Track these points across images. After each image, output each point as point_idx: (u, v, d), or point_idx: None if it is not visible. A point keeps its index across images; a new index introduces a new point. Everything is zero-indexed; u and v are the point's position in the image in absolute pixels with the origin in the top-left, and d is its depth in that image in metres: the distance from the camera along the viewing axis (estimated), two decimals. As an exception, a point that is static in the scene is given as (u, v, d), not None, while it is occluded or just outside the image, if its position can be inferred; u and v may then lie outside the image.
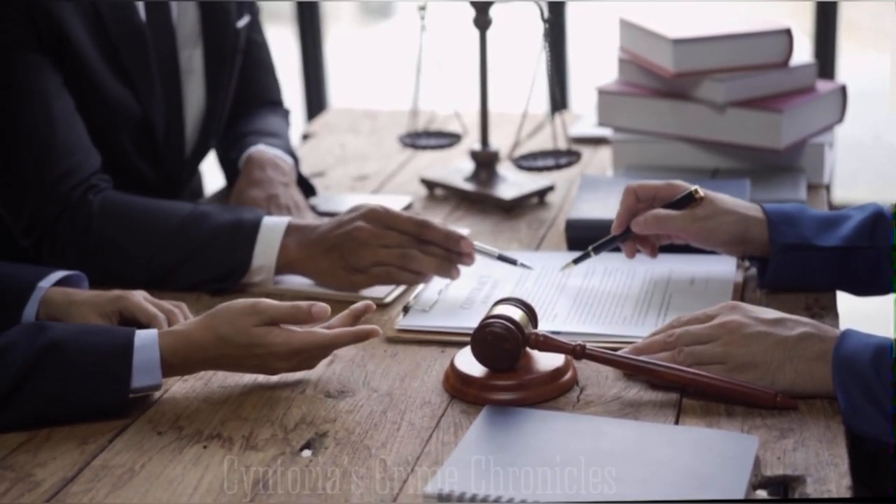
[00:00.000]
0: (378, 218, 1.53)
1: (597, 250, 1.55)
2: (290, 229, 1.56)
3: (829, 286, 1.48)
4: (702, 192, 1.49)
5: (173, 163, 1.80)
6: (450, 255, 1.53)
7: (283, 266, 1.56)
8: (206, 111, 1.85)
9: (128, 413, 1.26)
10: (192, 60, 1.80)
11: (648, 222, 1.50)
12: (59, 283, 1.46)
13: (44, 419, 1.24)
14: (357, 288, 1.54)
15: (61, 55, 1.60)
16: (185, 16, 1.77)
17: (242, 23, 1.87)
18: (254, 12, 1.94)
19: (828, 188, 1.93)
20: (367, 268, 1.52)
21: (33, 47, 1.57)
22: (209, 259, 1.56)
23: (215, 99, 1.85)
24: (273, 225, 1.57)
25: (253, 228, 1.56)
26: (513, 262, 1.56)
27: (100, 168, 1.63)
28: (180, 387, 1.33)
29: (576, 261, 1.56)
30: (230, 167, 1.89)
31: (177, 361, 1.27)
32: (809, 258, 1.45)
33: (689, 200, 1.49)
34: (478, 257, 1.55)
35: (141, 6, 1.69)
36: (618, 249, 1.58)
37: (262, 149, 1.83)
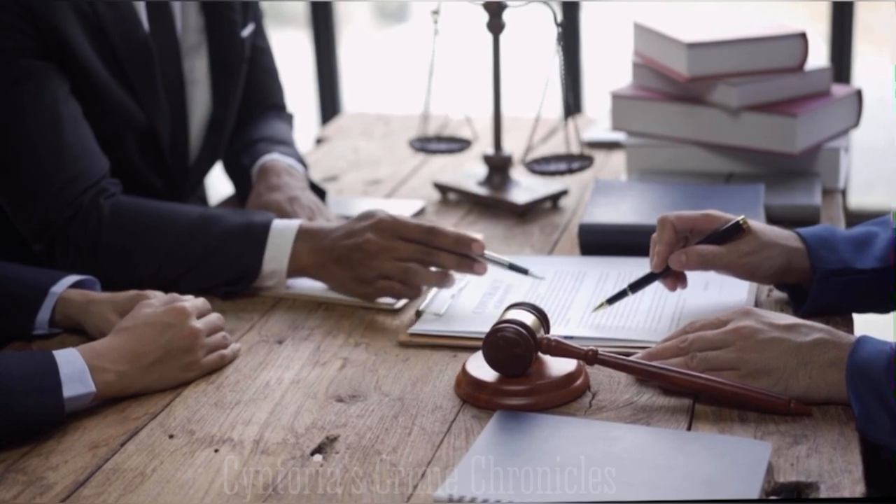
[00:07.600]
0: (387, 228, 1.51)
1: (634, 289, 1.44)
2: (302, 233, 1.56)
3: (867, 308, 1.44)
4: (750, 222, 1.41)
5: (177, 172, 1.80)
6: (462, 261, 1.52)
7: (296, 271, 1.56)
8: (211, 120, 1.84)
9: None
10: (196, 70, 1.79)
11: (692, 261, 1.41)
12: (72, 287, 1.46)
13: None
14: (366, 299, 1.53)
15: (66, 65, 1.60)
16: (189, 26, 1.77)
17: (247, 31, 1.86)
18: (257, 18, 1.93)
19: (843, 193, 1.91)
20: (375, 280, 1.51)
21: (40, 55, 1.57)
22: (219, 264, 1.56)
23: (222, 108, 1.84)
24: (283, 229, 1.56)
25: (263, 233, 1.55)
26: (524, 271, 1.52)
27: (108, 172, 1.63)
28: (191, 391, 1.33)
29: (610, 300, 1.44)
30: (241, 173, 1.88)
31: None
32: (851, 282, 1.40)
33: (736, 232, 1.40)
34: (489, 266, 1.53)
35: (144, 18, 1.68)
36: (630, 253, 1.57)
37: (276, 157, 1.83)
